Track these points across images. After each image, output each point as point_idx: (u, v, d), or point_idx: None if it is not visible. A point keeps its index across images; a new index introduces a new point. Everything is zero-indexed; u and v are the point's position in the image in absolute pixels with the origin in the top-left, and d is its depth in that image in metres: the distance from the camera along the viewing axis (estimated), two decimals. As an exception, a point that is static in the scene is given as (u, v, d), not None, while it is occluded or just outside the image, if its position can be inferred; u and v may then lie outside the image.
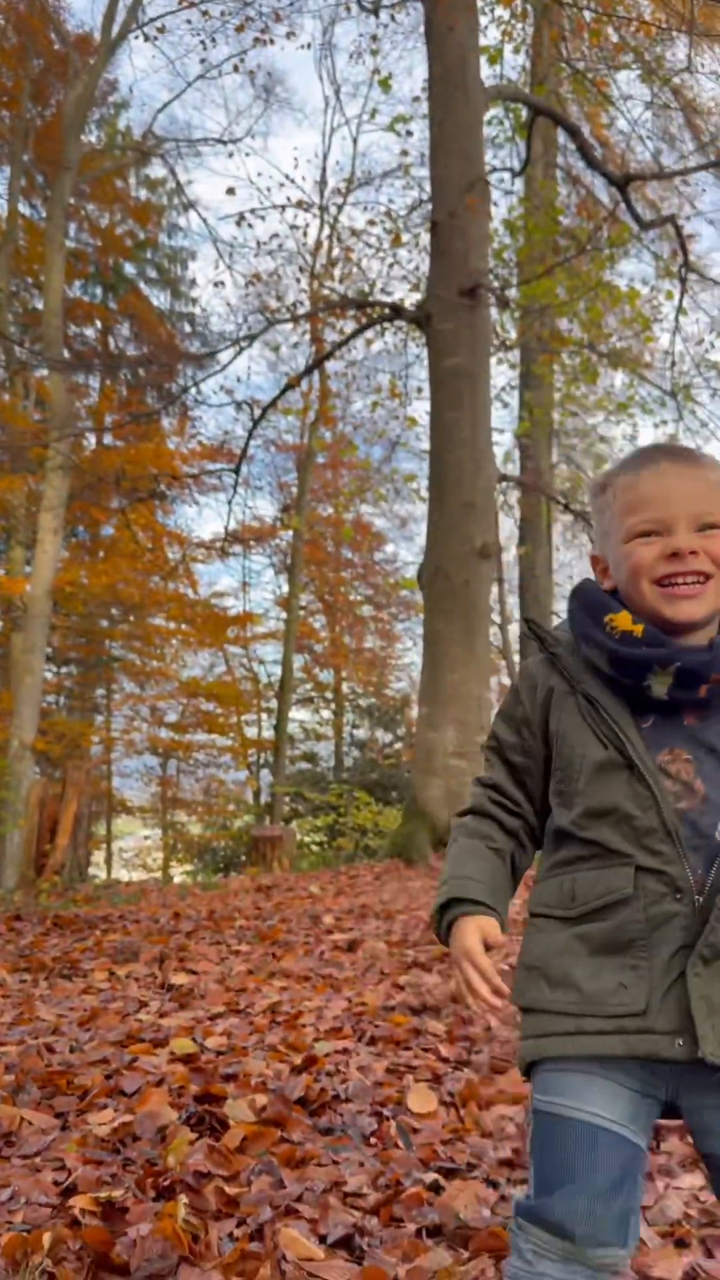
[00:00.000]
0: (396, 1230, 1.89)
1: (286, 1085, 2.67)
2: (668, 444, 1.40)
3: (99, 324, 22.33)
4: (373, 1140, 2.38)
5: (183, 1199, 1.91)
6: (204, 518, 44.59)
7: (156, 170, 20.67)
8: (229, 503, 10.69)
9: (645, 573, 1.30)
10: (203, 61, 14.82)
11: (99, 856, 24.09)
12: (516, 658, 15.57)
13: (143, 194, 21.80)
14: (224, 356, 10.16)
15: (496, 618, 13.62)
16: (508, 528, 16.60)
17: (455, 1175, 2.17)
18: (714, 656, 1.26)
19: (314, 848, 18.22)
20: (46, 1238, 1.75)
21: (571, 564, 21.74)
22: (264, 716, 25.25)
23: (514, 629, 16.27)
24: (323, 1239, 1.83)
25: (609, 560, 1.39)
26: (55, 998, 3.86)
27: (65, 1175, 2.10)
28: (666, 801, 1.24)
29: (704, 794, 1.25)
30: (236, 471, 10.55)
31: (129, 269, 22.78)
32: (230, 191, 12.94)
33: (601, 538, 1.42)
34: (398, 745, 22.35)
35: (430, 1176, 2.13)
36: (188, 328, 23.72)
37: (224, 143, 15.77)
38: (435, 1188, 2.07)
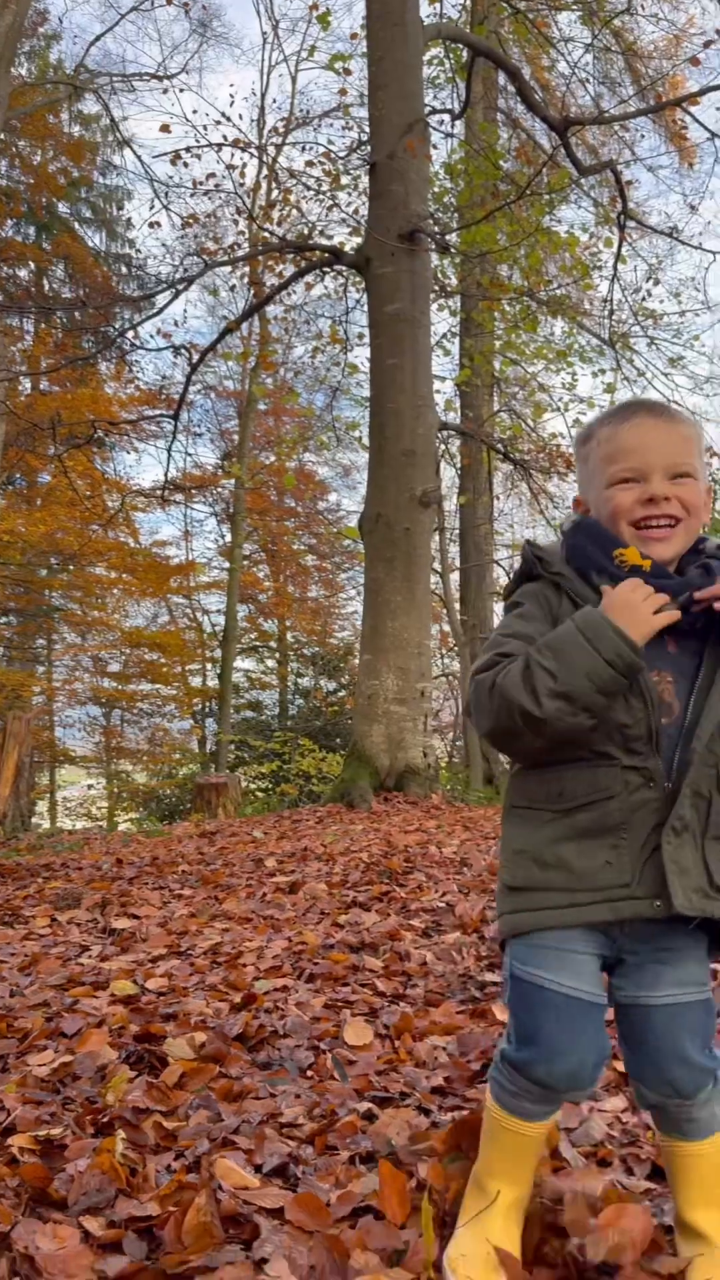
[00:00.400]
0: (331, 1158, 1.95)
1: (226, 1023, 2.72)
2: (647, 400, 1.58)
3: (32, 265, 21.70)
4: (310, 1073, 2.45)
5: (120, 1134, 1.96)
6: (144, 465, 43.98)
7: (90, 106, 20.01)
8: (168, 449, 10.54)
9: (624, 515, 1.49)
10: (136, -8, 14.27)
11: (43, 806, 23.98)
12: (457, 605, 15.69)
13: (76, 130, 21.10)
14: (161, 299, 9.95)
15: (437, 566, 13.69)
16: (448, 476, 16.63)
17: (389, 1104, 2.24)
18: (702, 584, 1.45)
19: (259, 795, 18.33)
20: (-16, 1174, 1.78)
21: (511, 512, 21.88)
22: (208, 666, 25.20)
23: (454, 577, 16.37)
24: (258, 1168, 1.89)
25: (590, 503, 1.57)
26: (-4, 945, 3.87)
27: (4, 1116, 2.13)
28: (656, 712, 1.43)
29: (678, 711, 1.45)
30: (175, 418, 10.39)
31: (63, 209, 22.12)
32: (165, 128, 12.58)
33: (584, 482, 1.60)
34: (342, 693, 22.47)
35: (364, 1106, 2.19)
36: (124, 269, 23.17)
37: (159, 78, 15.30)
38: (369, 1117, 2.14)
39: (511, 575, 1.64)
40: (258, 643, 26.89)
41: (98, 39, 17.35)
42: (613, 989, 1.51)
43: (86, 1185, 1.78)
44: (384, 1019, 2.81)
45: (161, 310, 9.55)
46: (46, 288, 22.31)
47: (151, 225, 14.34)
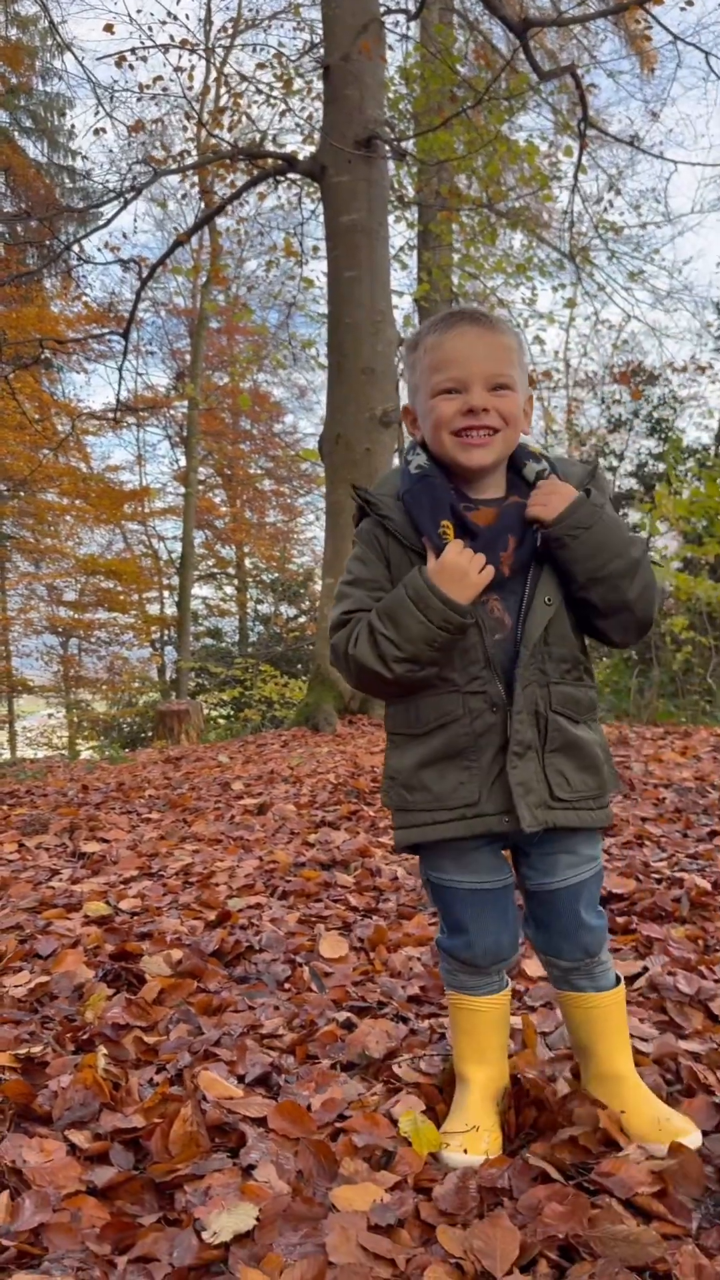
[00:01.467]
0: (311, 1066, 1.97)
1: (201, 939, 2.73)
2: (470, 309, 1.63)
3: (-30, 177, 20.76)
4: (287, 986, 2.46)
5: (102, 1050, 1.96)
6: (93, 386, 42.90)
7: (28, 7, 18.99)
8: (119, 369, 10.24)
9: (445, 425, 1.58)
10: None
11: (1, 736, 23.86)
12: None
13: (13, 34, 20.04)
14: (108, 211, 9.57)
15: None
16: (405, 394, 16.39)
17: (366, 1013, 2.26)
18: (495, 537, 1.58)
19: (220, 721, 18.35)
20: (-34, 1093, 1.77)
21: (471, 433, 21.67)
22: (166, 593, 24.98)
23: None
24: (241, 1079, 1.90)
25: (416, 411, 1.66)
26: (-36, 872, 3.84)
27: (-17, 1035, 2.12)
28: (489, 634, 1.58)
29: (510, 627, 1.59)
30: (126, 336, 10.08)
31: (1, 117, 21.13)
32: (109, 28, 11.95)
33: (411, 391, 1.67)
34: (302, 619, 22.42)
35: (343, 1015, 2.21)
36: (68, 181, 22.26)
37: (98, -28, 14.46)
38: (348, 1025, 2.16)
39: None
40: (215, 569, 26.67)
41: (32, -69, 16.36)
42: (521, 878, 1.70)
43: (70, 1100, 1.78)
44: (358, 932, 2.83)
45: (109, 222, 9.19)
46: (-14, 201, 21.41)
47: (96, 132, 13.76)
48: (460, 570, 1.53)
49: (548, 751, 1.59)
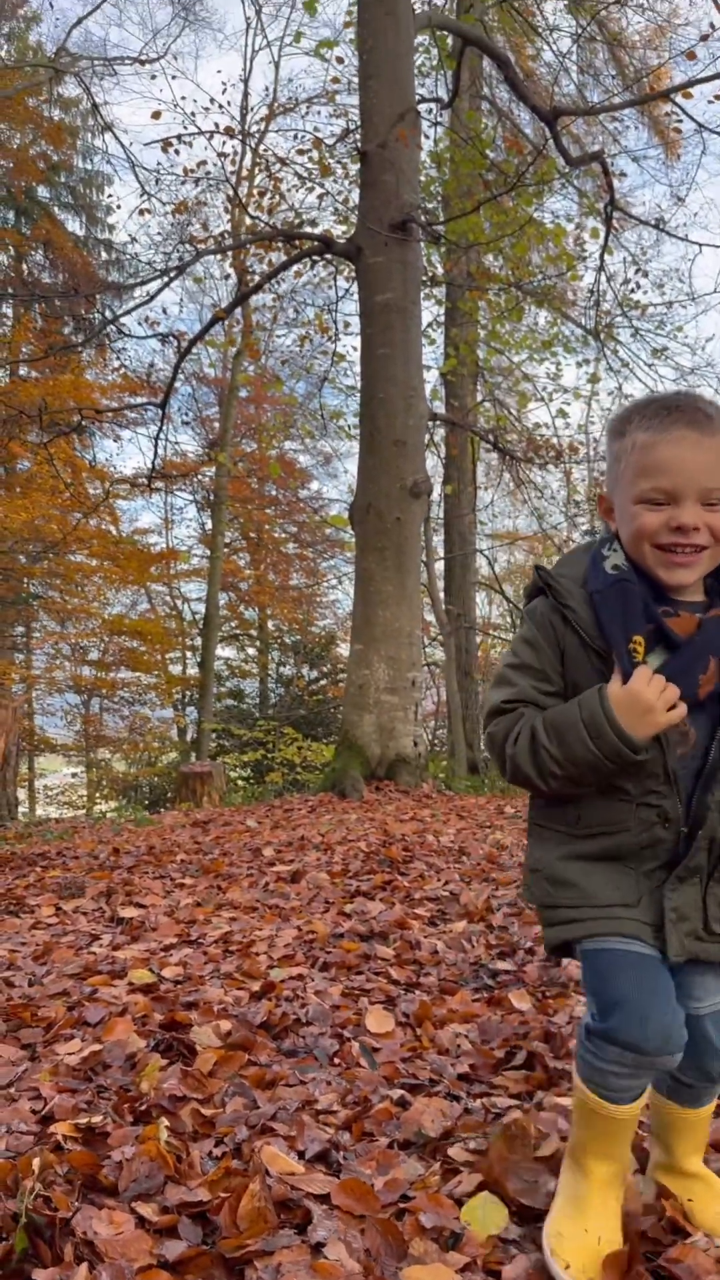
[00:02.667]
0: (369, 1144, 1.99)
1: (248, 1011, 2.75)
2: (689, 405, 1.43)
3: (12, 250, 21.50)
4: (336, 1060, 2.48)
5: (163, 1121, 1.99)
6: (125, 452, 43.68)
7: (71, 90, 19.82)
8: (154, 439, 10.49)
9: (648, 537, 1.43)
10: (120, -27, 14.12)
11: (22, 794, 23.90)
12: (441, 594, 15.75)
13: (57, 114, 20.90)
14: (149, 288, 9.89)
15: (422, 555, 13.73)
16: (431, 464, 16.67)
17: (419, 1091, 2.28)
18: (695, 660, 1.44)
19: (241, 784, 18.36)
20: (35, 1163, 1.81)
21: (495, 503, 21.93)
22: (189, 654, 25.16)
23: (439, 566, 16.42)
24: (301, 1155, 1.92)
25: (616, 507, 1.52)
26: (5, 933, 3.88)
27: (42, 1104, 2.16)
28: (671, 750, 1.45)
29: (694, 739, 1.46)
30: (162, 406, 10.36)
31: (43, 193, 21.91)
32: (156, 115, 12.44)
33: (612, 481, 1.52)
34: (323, 682, 22.50)
35: (396, 1093, 2.23)
36: (104, 254, 23.00)
37: (141, 62, 15.16)
38: (402, 1103, 2.18)
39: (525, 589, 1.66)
40: (238, 631, 26.88)
41: (79, 22, 17.18)
42: None
43: (136, 1172, 1.81)
44: (402, 1006, 2.85)
45: (151, 299, 9.51)
46: (26, 272, 22.11)
47: (141, 214, 14.21)
48: (646, 704, 1.39)
49: (714, 880, 1.48)
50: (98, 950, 3.55)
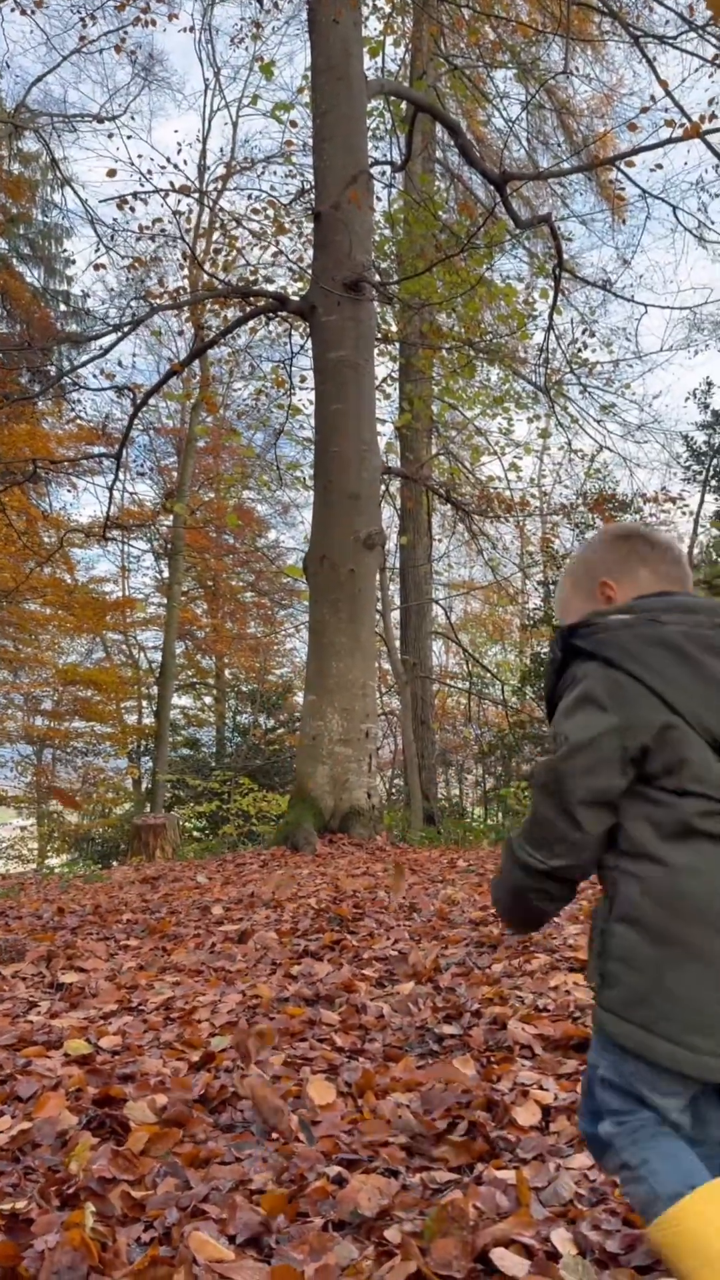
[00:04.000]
0: (303, 1225, 1.94)
1: (186, 1084, 2.69)
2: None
3: (-31, 300, 21.52)
4: (274, 1135, 2.43)
5: (89, 1206, 1.93)
6: (82, 501, 43.58)
7: (30, 144, 20.03)
8: (109, 489, 10.50)
9: None
10: (81, 39, 14.38)
11: (-29, 849, 23.41)
12: (397, 643, 15.80)
13: (16, 168, 21.09)
14: (105, 341, 9.94)
15: (378, 605, 13.79)
16: (388, 516, 16.81)
17: (356, 1166, 2.23)
18: None
19: (195, 836, 18.12)
20: (-49, 1255, 1.74)
21: (450, 553, 22.11)
22: (144, 703, 24.94)
23: (395, 615, 16.49)
24: (232, 1239, 1.87)
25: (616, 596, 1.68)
26: (-60, 1003, 3.77)
27: (-34, 1189, 2.09)
28: None
29: None
30: (118, 458, 10.37)
31: (0, 245, 22.02)
32: (111, 174, 12.60)
33: (615, 577, 1.69)
34: (280, 730, 22.38)
35: (333, 1170, 2.19)
36: (62, 306, 23.11)
37: (100, 120, 15.36)
38: (339, 1180, 2.14)
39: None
40: (195, 679, 26.73)
41: (39, 79, 17.44)
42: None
43: (57, 1263, 1.75)
44: (345, 1075, 2.80)
45: (106, 353, 9.55)
46: (-17, 322, 22.14)
47: (96, 268, 14.32)
48: None
49: None
50: (35, 1019, 3.47)
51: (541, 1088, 2.63)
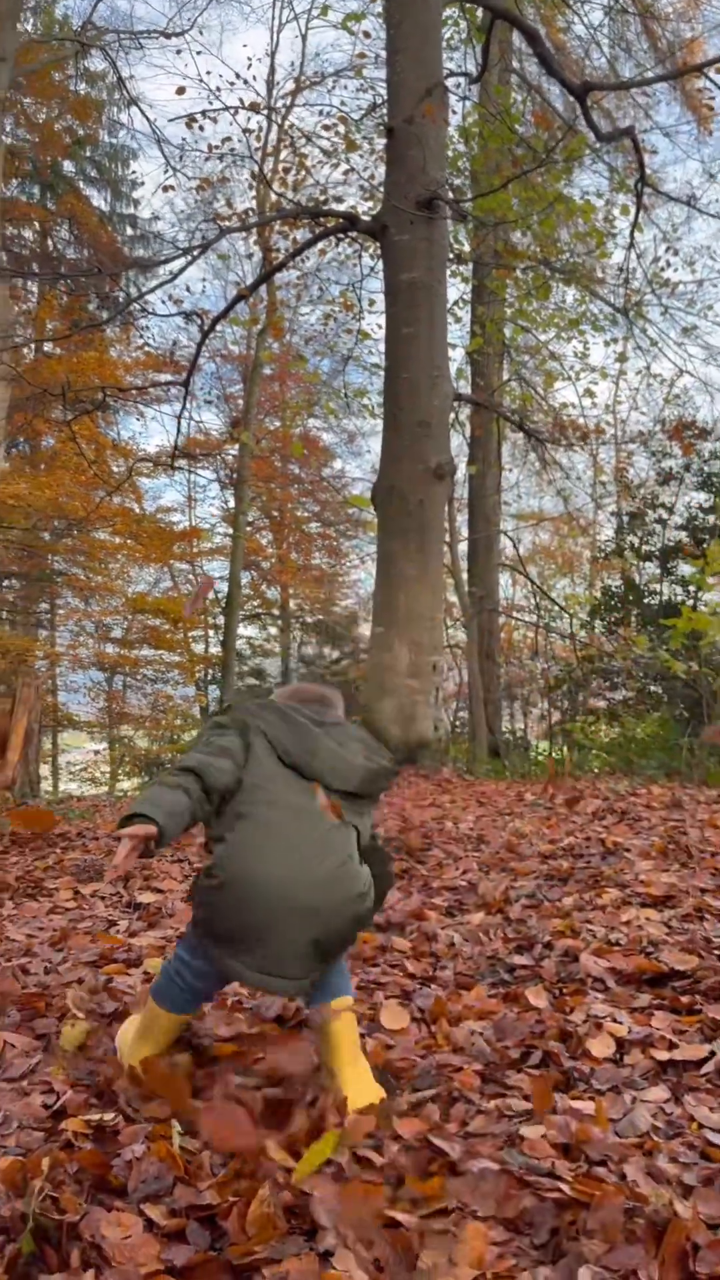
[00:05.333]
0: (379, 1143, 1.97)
1: (261, 1004, 2.74)
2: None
3: (37, 225, 21.44)
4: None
5: (174, 1121, 1.98)
6: (149, 430, 43.65)
7: (97, 63, 19.66)
8: (178, 417, 10.45)
9: None
10: (147, -54, 13.94)
11: (45, 770, 24.06)
12: (464, 576, 15.66)
13: (82, 88, 20.76)
14: (174, 266, 9.82)
15: (445, 537, 13.63)
16: (456, 444, 16.53)
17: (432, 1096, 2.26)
18: None
19: (262, 763, 18.31)
20: (44, 1162, 1.80)
21: (520, 483, 21.76)
22: (211, 633, 25.19)
23: (462, 547, 16.32)
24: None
25: None
26: (23, 918, 3.89)
27: (54, 1098, 2.15)
28: None
29: None
30: (186, 385, 10.29)
31: (68, 168, 21.82)
32: (180, 91, 12.28)
33: None
34: (345, 661, 22.47)
35: (413, 1097, 2.21)
36: (129, 230, 22.89)
37: (167, 35, 14.98)
38: (417, 1106, 2.16)
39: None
40: (260, 610, 26.87)
41: (105, -7, 16.98)
42: None
43: (145, 1172, 1.80)
44: (417, 1002, 2.83)
45: (175, 277, 9.45)
46: (51, 248, 22.05)
47: (165, 189, 14.06)
48: None
49: None
50: (116, 936, 3.56)
51: (615, 1020, 2.63)
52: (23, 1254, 1.56)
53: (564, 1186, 1.76)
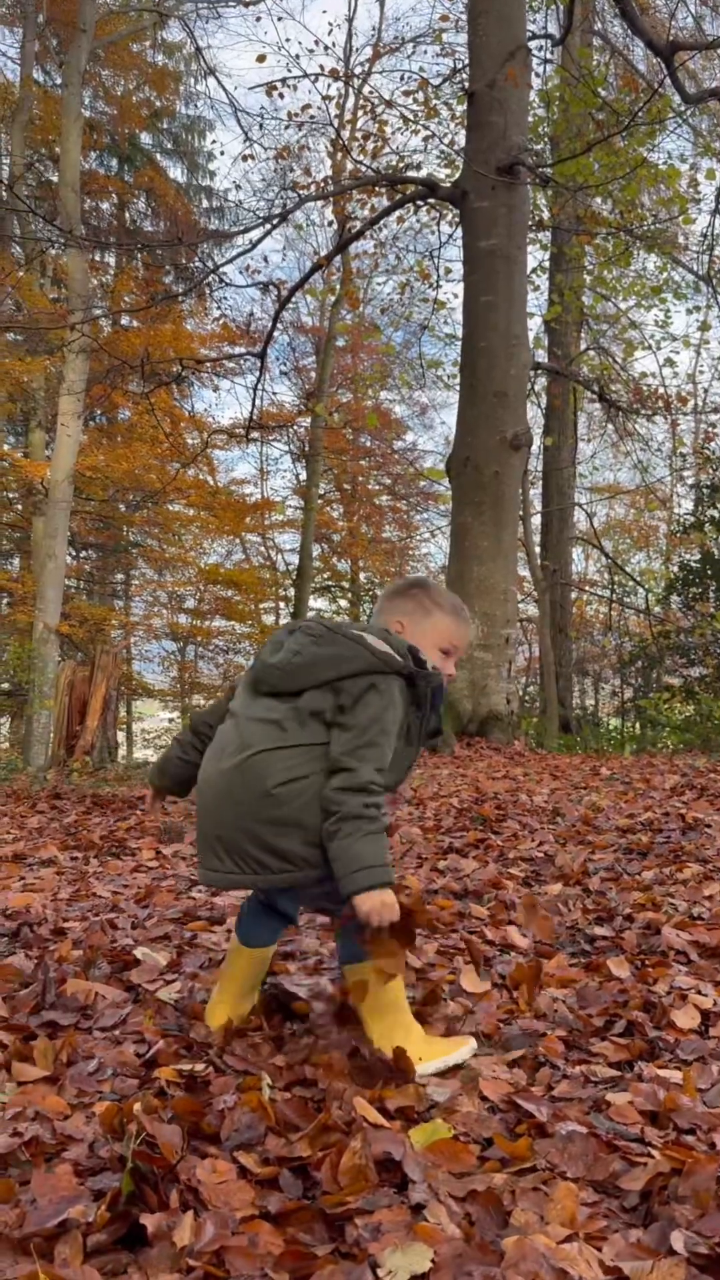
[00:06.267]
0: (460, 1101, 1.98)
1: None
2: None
3: (115, 198, 21.60)
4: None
5: (264, 1074, 2.01)
6: (223, 402, 43.92)
7: (174, 34, 19.68)
8: (252, 389, 10.47)
9: (443, 669, 2.27)
10: None
11: (120, 737, 24.56)
12: (537, 549, 15.51)
13: (160, 59, 20.79)
14: (253, 235, 9.84)
15: (519, 510, 13.50)
16: (532, 415, 16.33)
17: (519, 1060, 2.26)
18: None
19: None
20: (137, 1107, 1.85)
21: (595, 455, 21.44)
22: (282, 604, 25.39)
23: (536, 520, 16.16)
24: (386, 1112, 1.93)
25: (415, 642, 2.22)
26: (108, 875, 3.99)
27: (145, 1048, 2.21)
28: None
29: None
30: (261, 357, 10.32)
31: (145, 140, 21.91)
32: (261, 59, 12.20)
33: (413, 625, 2.30)
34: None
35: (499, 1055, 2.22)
36: (205, 202, 22.95)
37: (245, 3, 14.89)
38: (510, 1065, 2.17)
39: None
40: (331, 583, 26.98)
41: (184, -38, 16.95)
42: None
43: (238, 1122, 1.84)
44: (497, 968, 2.83)
45: (254, 246, 9.44)
46: (128, 220, 22.22)
47: (245, 159, 14.04)
48: None
49: None
50: (197, 896, 3.62)
51: (700, 993, 2.60)
52: (123, 1193, 1.60)
53: (654, 1152, 1.76)
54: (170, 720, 25.72)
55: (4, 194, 11.16)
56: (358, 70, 14.36)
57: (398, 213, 10.81)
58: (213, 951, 2.89)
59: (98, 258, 19.68)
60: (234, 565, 24.49)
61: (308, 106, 11.04)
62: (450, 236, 11.36)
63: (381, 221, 11.13)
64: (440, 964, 2.84)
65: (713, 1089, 2.05)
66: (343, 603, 27.09)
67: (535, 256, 15.25)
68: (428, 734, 2.18)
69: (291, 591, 23.53)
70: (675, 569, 16.33)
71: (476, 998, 2.62)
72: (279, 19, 21.21)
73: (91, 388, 14.65)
